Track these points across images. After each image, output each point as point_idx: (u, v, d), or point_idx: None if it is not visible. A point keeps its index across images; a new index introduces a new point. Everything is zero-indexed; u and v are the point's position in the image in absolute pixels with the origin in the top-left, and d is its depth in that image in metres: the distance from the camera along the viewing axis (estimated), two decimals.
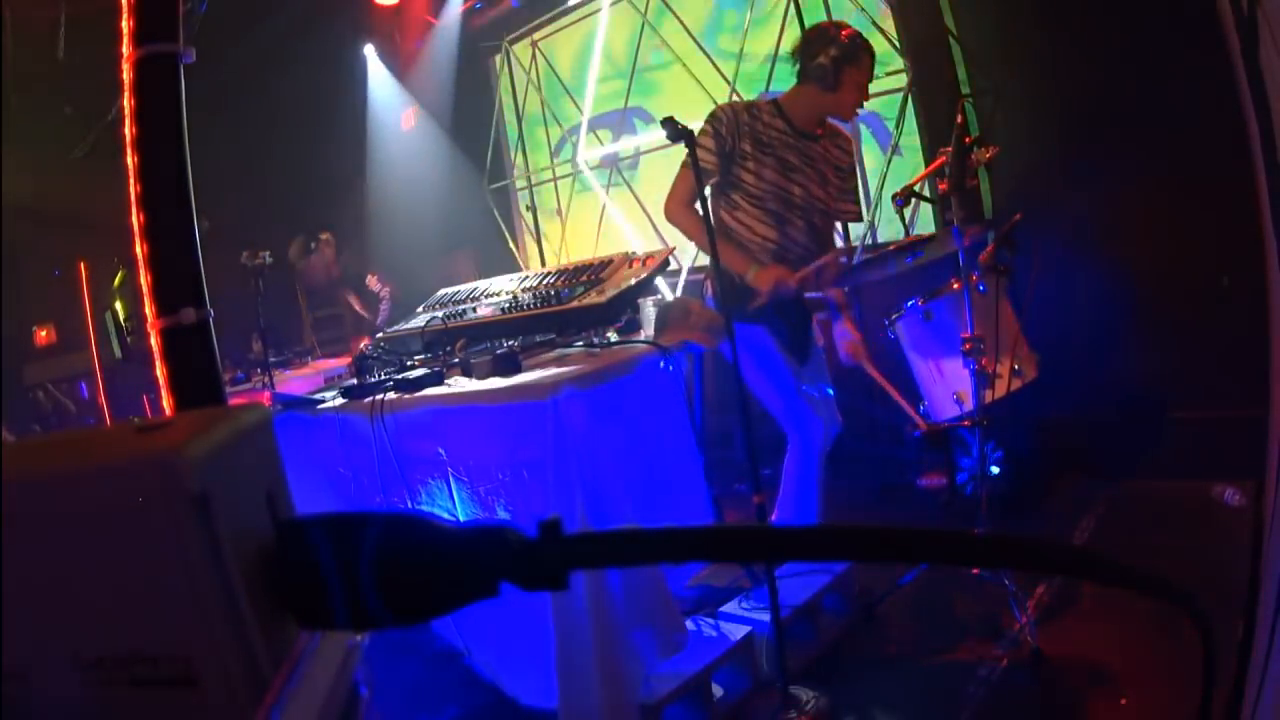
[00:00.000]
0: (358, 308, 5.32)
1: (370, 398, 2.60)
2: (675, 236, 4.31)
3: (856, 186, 3.04)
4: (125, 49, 1.59)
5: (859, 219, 3.22)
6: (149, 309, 1.59)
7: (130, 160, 1.59)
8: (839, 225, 4.45)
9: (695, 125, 2.48)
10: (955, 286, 2.83)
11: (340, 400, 2.79)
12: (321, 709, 0.47)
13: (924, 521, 3.67)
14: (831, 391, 3.02)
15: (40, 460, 0.46)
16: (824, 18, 4.46)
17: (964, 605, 2.82)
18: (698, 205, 2.50)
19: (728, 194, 2.87)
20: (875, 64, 2.86)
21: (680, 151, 2.45)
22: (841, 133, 3.01)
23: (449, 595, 0.46)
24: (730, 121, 2.78)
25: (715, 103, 4.76)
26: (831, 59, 2.74)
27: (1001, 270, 2.86)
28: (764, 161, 2.81)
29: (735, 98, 4.88)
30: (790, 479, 2.99)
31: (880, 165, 4.41)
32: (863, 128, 4.51)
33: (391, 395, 2.57)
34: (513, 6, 6.20)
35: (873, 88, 2.91)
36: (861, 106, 2.89)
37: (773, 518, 2.91)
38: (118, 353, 4.24)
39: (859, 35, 2.80)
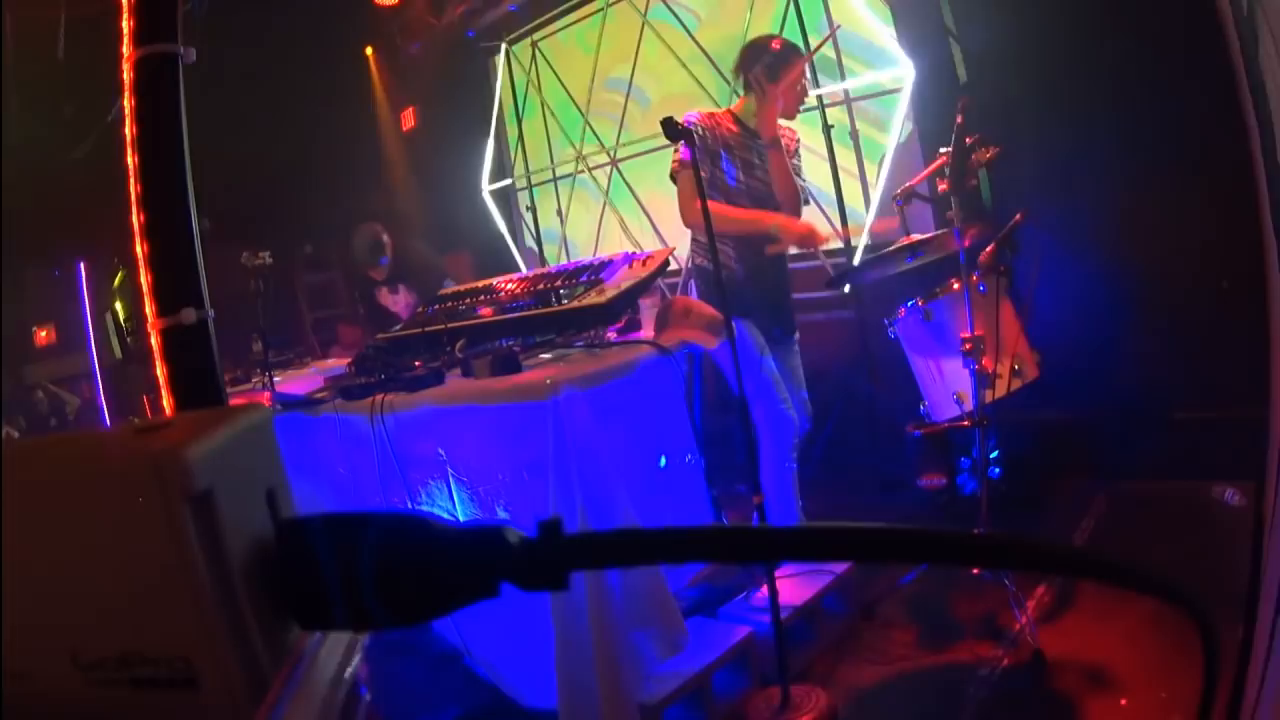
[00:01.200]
0: (397, 308, 5.10)
1: (370, 398, 2.60)
2: (675, 237, 4.31)
3: (800, 170, 3.28)
4: (125, 49, 1.59)
5: (805, 201, 3.36)
6: (149, 309, 1.59)
7: (130, 160, 1.59)
8: (838, 224, 4.48)
9: None
10: (955, 286, 2.83)
11: (340, 400, 2.79)
12: (321, 709, 0.47)
13: (924, 521, 3.67)
14: (805, 394, 3.23)
15: (40, 460, 0.46)
16: (821, 15, 4.47)
17: (964, 605, 2.82)
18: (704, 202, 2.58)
19: (708, 194, 2.94)
20: (807, 65, 3.16)
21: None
22: (785, 129, 3.26)
23: (449, 595, 0.45)
24: (706, 127, 3.06)
25: (715, 102, 4.78)
26: (766, 68, 3.02)
27: (1002, 270, 2.86)
28: (734, 162, 3.08)
29: (734, 98, 4.88)
30: (765, 479, 3.01)
31: (880, 165, 4.40)
32: (861, 127, 4.51)
33: (391, 395, 2.57)
34: (512, 8, 6.20)
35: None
36: (801, 106, 3.18)
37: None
38: (118, 353, 4.24)
39: (789, 43, 3.14)
